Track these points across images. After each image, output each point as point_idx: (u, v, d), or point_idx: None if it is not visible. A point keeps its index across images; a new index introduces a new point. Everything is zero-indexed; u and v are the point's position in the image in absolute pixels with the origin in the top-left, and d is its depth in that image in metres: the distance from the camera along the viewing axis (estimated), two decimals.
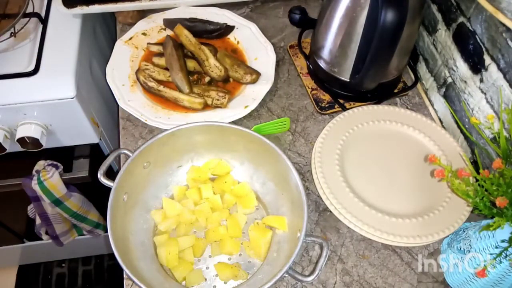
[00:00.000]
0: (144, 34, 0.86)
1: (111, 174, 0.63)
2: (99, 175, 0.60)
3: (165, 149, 0.64)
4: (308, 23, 0.86)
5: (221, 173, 0.68)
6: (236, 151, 0.67)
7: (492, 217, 0.47)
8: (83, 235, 1.16)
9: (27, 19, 0.82)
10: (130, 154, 0.60)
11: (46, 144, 0.82)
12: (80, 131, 0.86)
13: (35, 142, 0.80)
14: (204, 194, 0.66)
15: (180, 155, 0.67)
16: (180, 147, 0.66)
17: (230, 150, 0.67)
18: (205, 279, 0.61)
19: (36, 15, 0.84)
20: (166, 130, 0.63)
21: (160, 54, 0.81)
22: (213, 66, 0.78)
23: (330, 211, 0.65)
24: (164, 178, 0.68)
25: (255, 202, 0.66)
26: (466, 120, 0.70)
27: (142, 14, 0.90)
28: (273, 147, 0.60)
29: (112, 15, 0.94)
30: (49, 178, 0.92)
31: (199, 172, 0.68)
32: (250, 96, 0.76)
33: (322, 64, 0.77)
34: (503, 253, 0.47)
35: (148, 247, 0.62)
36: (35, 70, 0.76)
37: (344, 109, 0.76)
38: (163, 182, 0.67)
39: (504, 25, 0.56)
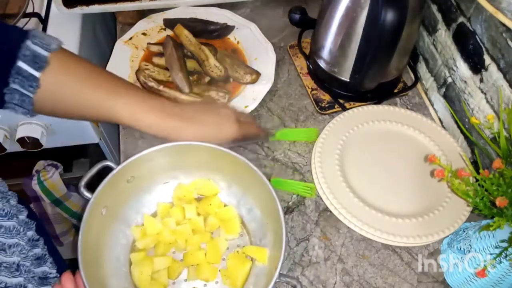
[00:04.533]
0: (144, 34, 0.86)
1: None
2: (80, 188, 0.57)
3: (152, 165, 0.61)
4: (308, 23, 0.86)
5: (208, 194, 0.65)
6: (225, 173, 0.63)
7: (492, 217, 0.47)
8: None
9: (27, 19, 0.83)
10: (114, 167, 0.58)
11: (46, 144, 0.82)
12: (80, 131, 0.86)
13: (35, 142, 0.80)
14: (187, 214, 0.63)
15: (167, 172, 0.64)
16: (167, 164, 0.62)
17: (219, 171, 0.64)
18: None
19: (36, 15, 0.84)
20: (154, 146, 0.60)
21: (160, 54, 0.81)
22: (213, 66, 0.78)
23: (330, 211, 0.65)
24: (149, 194, 0.64)
25: (239, 229, 0.62)
26: (466, 120, 0.70)
27: (142, 14, 0.90)
28: (259, 175, 0.56)
29: (112, 15, 0.94)
30: (49, 178, 0.92)
31: (185, 191, 0.65)
32: (250, 96, 0.76)
33: (322, 64, 0.77)
34: (503, 253, 0.47)
35: (123, 264, 0.60)
36: None
37: (344, 109, 0.76)
38: (147, 197, 0.64)
39: (504, 25, 0.56)
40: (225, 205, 0.65)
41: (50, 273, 0.67)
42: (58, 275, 0.69)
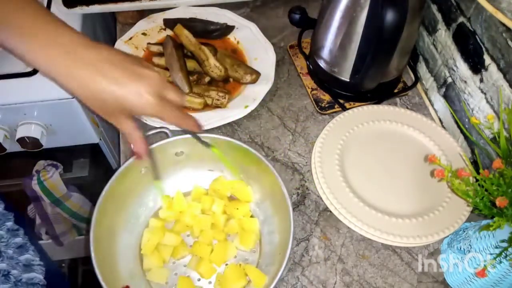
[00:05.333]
0: (144, 34, 0.86)
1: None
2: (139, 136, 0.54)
3: (204, 149, 0.62)
4: (308, 23, 0.86)
5: (241, 198, 0.66)
6: (264, 187, 0.64)
7: (492, 217, 0.47)
8: (83, 235, 1.16)
9: None
10: (169, 136, 0.61)
11: (46, 144, 0.82)
12: (80, 131, 0.86)
13: (35, 142, 0.80)
14: (213, 207, 0.64)
15: (215, 161, 0.65)
16: (216, 156, 0.63)
17: (260, 183, 0.64)
18: (166, 283, 0.59)
19: None
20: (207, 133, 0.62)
21: (160, 54, 0.81)
22: (213, 66, 0.78)
23: (330, 211, 0.65)
24: (190, 173, 0.67)
25: (253, 244, 0.62)
26: (466, 120, 0.70)
27: (142, 14, 0.89)
28: (289, 209, 0.56)
29: (112, 15, 0.94)
30: (49, 178, 0.92)
31: (222, 186, 0.66)
32: (250, 96, 0.76)
33: (322, 64, 0.77)
34: (503, 253, 0.47)
35: (141, 224, 0.63)
36: (35, 70, 0.76)
37: (344, 109, 0.76)
38: (188, 175, 0.67)
39: (504, 25, 0.56)
40: (251, 216, 0.65)
41: (33, 260, 0.69)
42: (42, 263, 0.70)
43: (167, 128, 0.61)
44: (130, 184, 0.61)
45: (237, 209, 0.64)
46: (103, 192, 0.57)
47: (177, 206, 0.64)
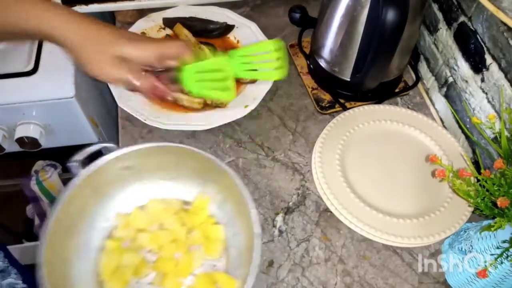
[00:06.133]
0: (143, 33, 0.85)
1: None
2: (73, 162, 0.55)
3: (153, 161, 0.60)
4: (308, 22, 0.85)
5: (198, 204, 0.62)
6: (222, 188, 0.61)
7: (493, 218, 0.47)
8: None
9: None
10: (114, 149, 0.57)
11: (45, 144, 0.81)
12: (79, 131, 0.85)
13: (34, 142, 0.79)
14: (170, 224, 0.61)
15: (168, 171, 0.62)
16: (167, 163, 0.61)
17: (217, 184, 0.61)
18: None
19: None
20: (152, 142, 0.59)
21: None
22: None
23: (331, 212, 0.64)
24: (144, 187, 0.62)
25: (219, 253, 0.59)
26: (467, 120, 0.70)
27: (142, 13, 0.89)
28: (247, 201, 0.54)
29: (111, 14, 0.93)
30: (48, 178, 0.92)
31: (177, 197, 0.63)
32: (250, 95, 0.76)
33: (322, 63, 0.76)
34: (504, 254, 0.47)
35: (94, 248, 0.59)
36: (34, 70, 0.76)
37: (345, 108, 0.76)
38: (141, 190, 0.63)
39: (505, 24, 0.56)
40: (215, 223, 0.62)
41: (17, 284, 0.67)
42: (25, 285, 0.69)
43: (111, 143, 0.58)
44: (77, 208, 0.57)
45: (196, 215, 0.61)
46: (50, 219, 0.52)
47: (134, 223, 0.61)
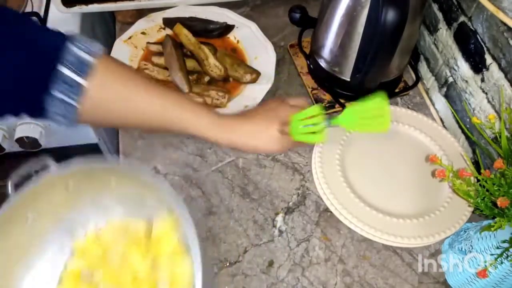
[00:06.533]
0: (143, 33, 0.86)
1: None
2: (9, 185, 0.49)
3: (101, 177, 0.52)
4: (308, 22, 0.85)
5: (161, 229, 0.50)
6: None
7: (493, 218, 0.47)
8: None
9: None
10: (54, 168, 0.50)
11: (45, 144, 0.81)
12: (79, 131, 0.85)
13: (34, 142, 0.79)
14: (130, 252, 0.50)
15: (122, 193, 0.52)
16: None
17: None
18: None
19: (35, 14, 0.84)
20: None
21: (160, 54, 0.81)
22: (213, 66, 0.78)
23: (331, 212, 0.64)
24: (96, 208, 0.53)
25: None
26: (467, 120, 0.70)
27: (142, 13, 0.89)
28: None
29: (111, 14, 0.93)
30: None
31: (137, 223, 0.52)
32: (250, 95, 0.76)
33: (322, 63, 0.76)
34: (504, 254, 0.47)
35: (49, 281, 0.51)
36: None
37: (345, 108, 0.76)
38: (95, 213, 0.54)
39: (505, 24, 0.56)
40: (184, 251, 0.47)
41: None
42: None
43: (50, 159, 0.52)
44: (18, 239, 0.49)
45: (160, 244, 0.50)
46: None
47: (92, 252, 0.52)
